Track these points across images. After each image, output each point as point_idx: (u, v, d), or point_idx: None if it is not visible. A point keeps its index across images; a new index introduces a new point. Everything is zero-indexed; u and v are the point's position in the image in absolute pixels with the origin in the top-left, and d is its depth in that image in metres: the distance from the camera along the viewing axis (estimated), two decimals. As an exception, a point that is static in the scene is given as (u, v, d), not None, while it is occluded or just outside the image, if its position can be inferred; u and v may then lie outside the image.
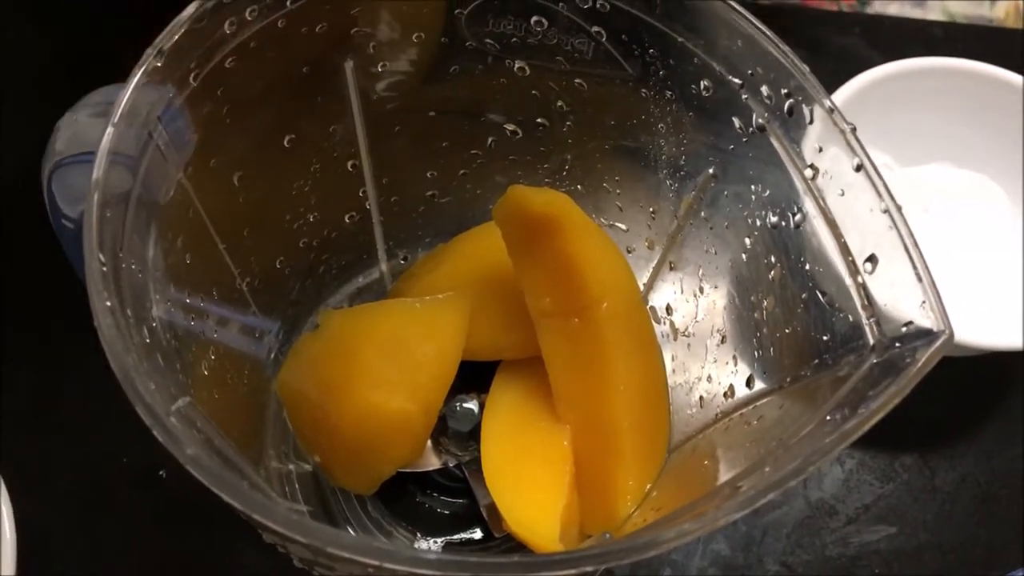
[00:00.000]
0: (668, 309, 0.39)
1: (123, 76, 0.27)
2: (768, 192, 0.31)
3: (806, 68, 0.29)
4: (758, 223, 0.32)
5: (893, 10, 0.62)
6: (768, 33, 0.29)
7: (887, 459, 0.47)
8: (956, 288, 0.47)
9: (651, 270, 0.40)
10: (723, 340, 0.36)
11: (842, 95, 0.46)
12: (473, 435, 0.39)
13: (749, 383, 0.33)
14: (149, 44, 0.28)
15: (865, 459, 0.47)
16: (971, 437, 0.48)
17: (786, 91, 0.29)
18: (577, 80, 0.35)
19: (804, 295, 0.30)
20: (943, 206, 0.49)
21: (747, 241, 0.33)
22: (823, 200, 0.28)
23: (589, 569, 0.22)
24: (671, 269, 0.39)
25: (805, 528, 0.45)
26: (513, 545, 0.38)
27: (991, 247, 0.49)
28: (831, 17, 0.60)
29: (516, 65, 0.36)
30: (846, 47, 0.59)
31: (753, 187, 0.32)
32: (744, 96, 0.31)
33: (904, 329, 0.26)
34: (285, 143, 0.35)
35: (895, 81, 0.48)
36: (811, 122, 0.29)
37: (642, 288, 0.40)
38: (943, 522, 0.45)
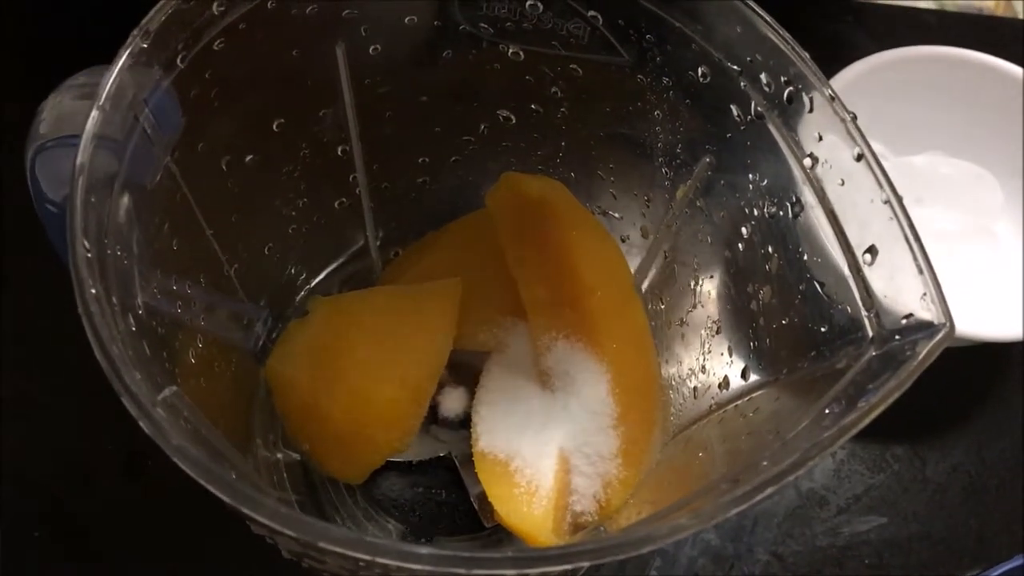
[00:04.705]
0: (661, 299, 0.39)
1: (108, 57, 0.27)
2: (766, 181, 0.31)
3: (807, 55, 0.28)
4: (755, 212, 0.31)
5: (884, -2, 0.62)
6: (768, 19, 0.29)
7: (878, 449, 0.47)
8: (949, 279, 0.47)
9: (645, 259, 0.39)
10: (718, 331, 0.35)
11: (835, 84, 0.46)
12: (464, 424, 0.38)
13: (744, 374, 0.33)
14: (135, 25, 0.27)
15: (856, 449, 0.47)
16: (962, 428, 0.48)
17: (786, 78, 0.29)
18: (572, 66, 0.35)
19: (802, 286, 0.29)
20: (937, 196, 0.49)
21: (744, 231, 0.32)
22: (822, 190, 0.28)
23: (584, 564, 0.22)
24: (665, 258, 0.38)
25: (795, 518, 0.45)
26: (503, 536, 0.38)
27: (985, 237, 0.49)
28: (822, 4, 0.60)
29: (510, 50, 0.35)
30: (838, 35, 0.59)
31: (751, 176, 0.31)
32: (742, 83, 0.30)
33: (904, 322, 0.25)
34: (274, 127, 0.34)
35: (889, 69, 0.48)
36: (811, 110, 0.28)
37: (635, 277, 0.39)
38: (934, 513, 0.45)
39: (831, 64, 0.47)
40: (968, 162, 0.50)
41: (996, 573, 0.41)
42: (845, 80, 0.47)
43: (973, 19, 0.61)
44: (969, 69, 0.49)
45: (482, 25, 0.34)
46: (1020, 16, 0.62)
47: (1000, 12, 0.63)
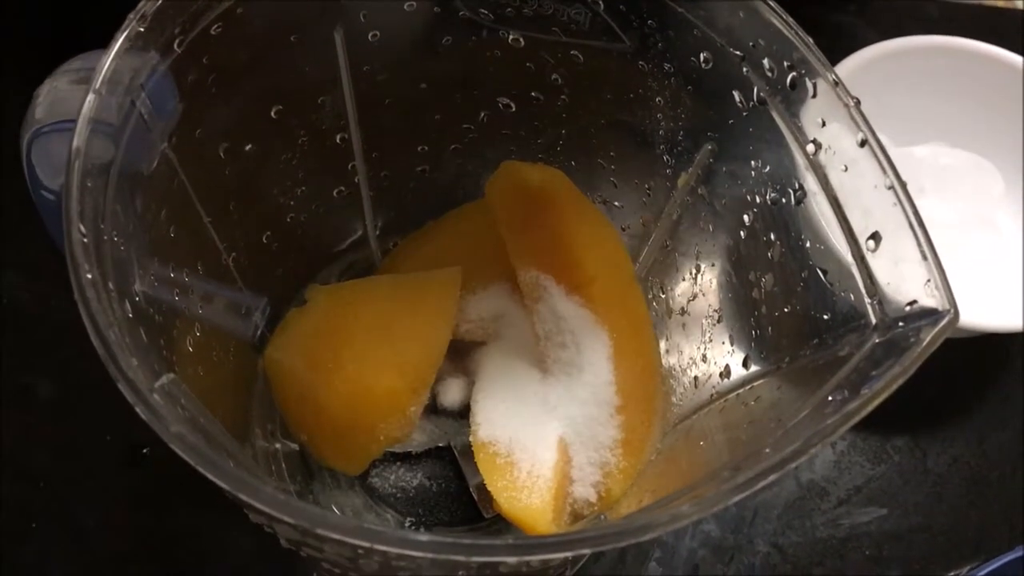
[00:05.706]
0: (662, 288, 0.39)
1: (104, 42, 0.26)
2: (768, 168, 0.30)
3: (810, 40, 0.28)
4: (757, 200, 0.31)
5: (889, -12, 0.61)
6: (771, 4, 0.28)
7: (879, 441, 0.47)
8: (950, 269, 0.47)
9: (646, 248, 0.39)
10: (719, 319, 0.35)
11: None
12: (463, 414, 0.38)
13: (746, 363, 0.33)
14: (132, 8, 0.27)
15: (857, 441, 0.47)
16: (963, 419, 0.48)
17: (788, 64, 0.28)
18: (573, 52, 0.34)
19: (804, 273, 0.29)
20: (938, 186, 0.49)
21: (746, 218, 0.32)
22: (825, 176, 0.28)
23: (584, 552, 0.22)
24: (666, 247, 0.38)
25: (796, 509, 0.45)
26: (502, 526, 0.38)
27: (986, 228, 0.49)
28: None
29: (510, 36, 0.35)
30: (841, 25, 0.59)
31: (753, 163, 0.31)
32: (745, 69, 0.30)
33: (907, 308, 0.25)
34: (272, 114, 0.34)
35: (891, 60, 0.48)
36: (814, 96, 0.28)
37: (636, 266, 0.39)
38: (934, 504, 0.45)
39: (833, 54, 0.46)
40: (969, 152, 0.50)
41: (996, 565, 0.41)
42: (846, 70, 0.46)
43: (974, 9, 0.61)
44: (970, 59, 0.48)
45: (482, 11, 0.34)
46: (1020, 7, 0.62)
47: (1001, 3, 0.62)
